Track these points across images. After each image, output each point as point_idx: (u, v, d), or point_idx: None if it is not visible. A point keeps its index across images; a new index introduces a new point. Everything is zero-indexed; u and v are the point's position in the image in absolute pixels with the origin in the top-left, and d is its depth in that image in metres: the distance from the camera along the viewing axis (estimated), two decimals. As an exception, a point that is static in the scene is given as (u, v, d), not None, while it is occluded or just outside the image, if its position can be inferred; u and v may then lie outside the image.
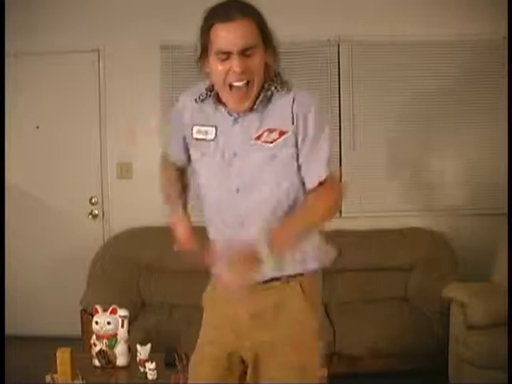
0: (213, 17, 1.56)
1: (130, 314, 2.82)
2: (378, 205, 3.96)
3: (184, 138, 1.74)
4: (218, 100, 1.63)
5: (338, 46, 3.94)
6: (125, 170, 4.05)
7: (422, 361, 3.27)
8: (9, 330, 3.04)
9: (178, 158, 1.81)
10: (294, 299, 1.65)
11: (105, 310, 2.72)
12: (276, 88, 1.60)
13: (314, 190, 1.63)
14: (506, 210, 3.46)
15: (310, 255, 1.67)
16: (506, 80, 3.78)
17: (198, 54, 1.64)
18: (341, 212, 3.92)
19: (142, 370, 2.57)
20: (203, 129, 1.65)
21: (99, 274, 3.65)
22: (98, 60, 3.99)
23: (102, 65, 4.00)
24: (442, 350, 3.17)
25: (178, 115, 1.74)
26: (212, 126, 1.64)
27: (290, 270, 1.65)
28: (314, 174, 1.62)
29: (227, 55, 1.52)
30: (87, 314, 3.11)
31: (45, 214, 4.10)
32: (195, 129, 1.67)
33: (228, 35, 1.51)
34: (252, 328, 1.67)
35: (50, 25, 3.92)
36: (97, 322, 2.70)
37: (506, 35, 3.74)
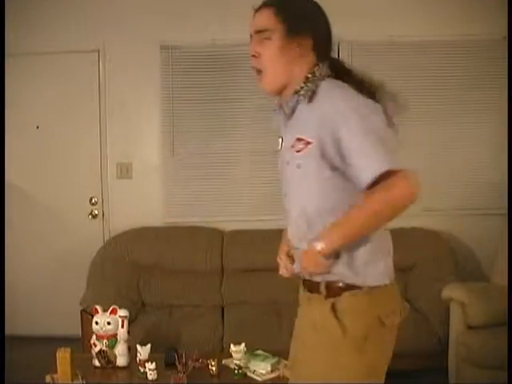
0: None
1: (130, 313, 2.81)
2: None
3: None
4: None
5: (338, 46, 3.94)
6: (125, 170, 4.05)
7: (421, 361, 3.27)
8: (9, 330, 3.04)
9: None
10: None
11: (105, 310, 2.72)
12: (303, 92, 1.57)
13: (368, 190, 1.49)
14: (506, 210, 3.46)
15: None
16: (505, 80, 3.78)
17: None
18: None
19: (142, 370, 2.57)
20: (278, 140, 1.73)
21: (99, 274, 3.65)
22: (98, 60, 3.99)
23: (101, 65, 4.00)
24: (442, 350, 3.17)
25: None
26: (280, 136, 1.71)
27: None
28: (363, 174, 1.46)
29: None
30: (87, 314, 3.11)
31: (45, 214, 4.10)
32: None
33: (252, 21, 1.64)
34: None
35: (50, 25, 3.92)
36: (97, 322, 2.69)
37: (506, 35, 3.74)
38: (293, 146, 1.57)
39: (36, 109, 4.03)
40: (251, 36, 1.64)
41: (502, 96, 3.85)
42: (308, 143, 1.52)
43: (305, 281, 1.69)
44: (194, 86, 3.98)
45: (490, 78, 3.93)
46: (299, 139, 1.55)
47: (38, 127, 4.07)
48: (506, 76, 3.78)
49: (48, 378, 2.50)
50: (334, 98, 1.52)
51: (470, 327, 3.00)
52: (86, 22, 3.92)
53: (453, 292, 3.13)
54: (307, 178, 1.56)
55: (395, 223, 3.87)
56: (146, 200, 4.04)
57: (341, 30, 4.18)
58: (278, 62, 1.59)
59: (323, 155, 1.51)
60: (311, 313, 1.64)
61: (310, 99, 1.55)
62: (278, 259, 1.76)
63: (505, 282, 3.11)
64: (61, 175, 4.06)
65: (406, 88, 3.94)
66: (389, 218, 1.49)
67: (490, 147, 3.96)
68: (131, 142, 4.05)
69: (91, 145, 4.05)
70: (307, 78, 1.58)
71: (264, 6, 1.62)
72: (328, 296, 1.59)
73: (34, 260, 4.08)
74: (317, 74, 1.58)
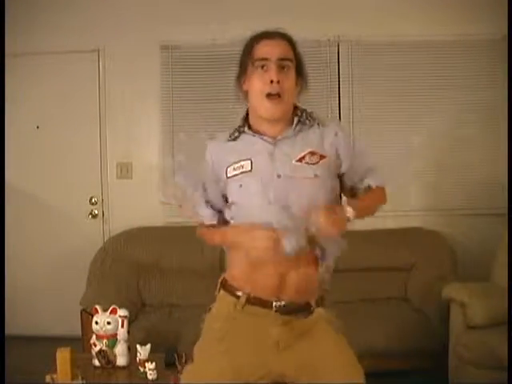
0: (256, 37, 1.77)
1: (130, 313, 2.81)
2: (377, 205, 3.96)
3: (220, 188, 1.82)
4: (255, 131, 1.78)
5: (338, 46, 3.95)
6: (125, 170, 4.05)
7: (421, 361, 3.27)
8: (9, 330, 3.04)
9: (218, 215, 1.95)
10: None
11: (105, 310, 2.72)
12: (309, 120, 1.78)
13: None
14: (506, 210, 3.46)
15: None
16: (506, 80, 3.78)
17: (237, 73, 1.81)
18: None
19: (141, 370, 2.57)
20: (237, 165, 1.75)
21: (99, 274, 3.64)
22: (98, 60, 4.00)
23: (101, 65, 4.00)
24: (442, 350, 3.17)
25: (208, 167, 1.83)
26: (246, 159, 1.75)
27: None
28: (376, 178, 1.88)
29: (264, 63, 1.71)
30: (87, 314, 3.11)
31: (45, 214, 4.10)
32: (230, 169, 1.77)
33: (267, 47, 1.73)
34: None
35: (50, 25, 3.92)
36: (97, 322, 2.69)
37: (506, 35, 3.74)
38: (301, 160, 1.72)
39: (36, 109, 4.04)
40: (263, 60, 1.71)
41: (501, 96, 3.84)
42: (322, 157, 1.74)
43: (281, 307, 1.78)
44: (194, 85, 3.98)
45: (490, 78, 3.93)
46: (313, 153, 1.73)
47: (38, 127, 4.07)
48: (506, 76, 3.78)
49: (48, 378, 2.50)
50: (338, 127, 1.83)
51: (469, 327, 2.99)
52: (86, 22, 3.93)
53: (453, 292, 3.13)
54: (323, 184, 1.74)
55: (395, 223, 3.88)
56: (145, 200, 4.04)
57: (341, 30, 4.23)
58: (293, 91, 1.76)
59: (335, 166, 1.78)
60: (318, 331, 1.80)
61: (319, 125, 1.78)
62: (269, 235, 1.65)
63: (505, 281, 3.11)
64: (61, 175, 4.07)
65: (405, 88, 3.95)
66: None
67: (490, 147, 3.95)
68: (131, 142, 4.05)
69: (91, 145, 4.05)
70: (297, 108, 1.80)
71: (280, 37, 1.74)
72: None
73: (34, 260, 4.08)
74: (299, 105, 1.82)
